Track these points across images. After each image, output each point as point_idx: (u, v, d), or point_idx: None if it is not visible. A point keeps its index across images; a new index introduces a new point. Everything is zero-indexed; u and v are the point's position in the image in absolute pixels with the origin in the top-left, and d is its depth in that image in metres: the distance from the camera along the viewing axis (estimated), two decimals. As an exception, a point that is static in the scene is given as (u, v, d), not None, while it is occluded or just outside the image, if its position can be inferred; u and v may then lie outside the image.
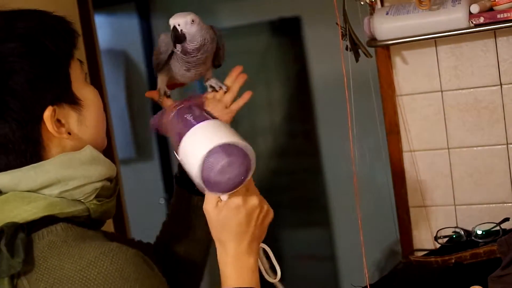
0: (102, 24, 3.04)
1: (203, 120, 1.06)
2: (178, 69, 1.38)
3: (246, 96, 1.43)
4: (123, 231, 2.13)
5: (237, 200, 1.06)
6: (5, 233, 0.95)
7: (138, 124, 3.21)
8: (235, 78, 1.43)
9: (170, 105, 1.20)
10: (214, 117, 1.09)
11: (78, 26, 1.57)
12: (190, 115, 1.09)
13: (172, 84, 1.48)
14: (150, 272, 0.98)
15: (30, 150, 1.01)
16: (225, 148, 1.01)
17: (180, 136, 1.07)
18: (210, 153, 1.00)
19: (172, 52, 1.35)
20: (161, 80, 1.42)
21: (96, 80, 2.07)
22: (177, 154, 1.09)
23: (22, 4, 1.07)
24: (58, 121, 1.02)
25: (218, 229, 1.08)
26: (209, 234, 1.38)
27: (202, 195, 1.33)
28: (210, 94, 1.43)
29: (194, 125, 1.05)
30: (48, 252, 0.96)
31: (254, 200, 1.07)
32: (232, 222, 1.06)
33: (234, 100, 1.44)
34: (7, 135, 0.99)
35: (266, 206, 1.10)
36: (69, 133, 1.04)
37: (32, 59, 0.99)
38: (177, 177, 1.37)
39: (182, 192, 1.36)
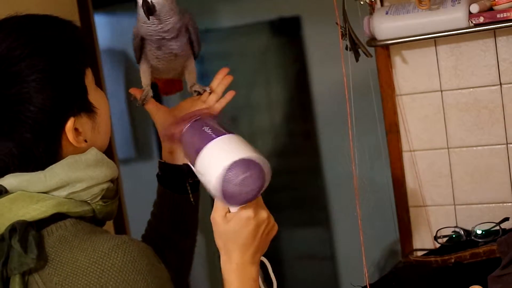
0: (102, 24, 3.04)
1: (222, 134, 1.09)
2: (151, 50, 1.33)
3: (229, 96, 1.42)
4: (123, 231, 2.13)
5: (248, 213, 1.09)
6: (18, 230, 0.96)
7: (138, 124, 3.21)
8: (220, 80, 1.41)
9: (183, 116, 1.22)
10: (230, 132, 1.11)
11: (77, 26, 1.57)
12: (208, 128, 1.12)
13: (165, 87, 1.47)
14: (159, 265, 1.00)
15: (50, 161, 1.03)
16: (245, 162, 1.04)
17: (197, 148, 1.09)
18: (231, 166, 1.03)
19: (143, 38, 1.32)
20: (144, 72, 1.38)
21: (96, 80, 2.06)
22: (191, 164, 1.12)
23: (23, 4, 1.07)
24: (76, 129, 1.04)
25: (225, 238, 1.11)
26: (195, 229, 1.39)
27: (186, 193, 1.34)
28: (195, 97, 1.42)
29: (213, 138, 1.08)
30: (59, 247, 0.97)
31: (264, 214, 1.11)
32: (240, 233, 1.09)
33: None
34: (32, 149, 1.01)
35: (272, 221, 1.13)
36: (85, 141, 1.06)
37: (54, 75, 1.01)
38: (159, 176, 1.38)
39: (166, 192, 1.37)
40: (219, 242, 1.11)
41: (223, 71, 1.42)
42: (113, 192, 1.10)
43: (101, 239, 0.97)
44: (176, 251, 1.37)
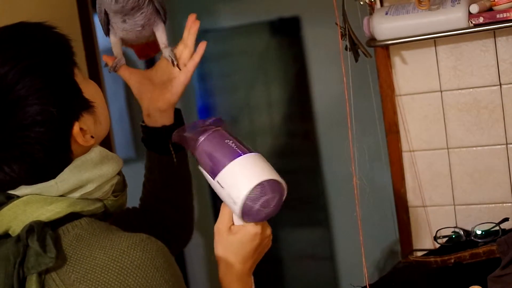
0: (102, 24, 3.03)
1: (248, 152, 1.10)
2: (116, 23, 1.32)
3: (201, 49, 1.35)
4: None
5: (257, 229, 1.12)
6: (35, 230, 0.97)
7: (138, 124, 3.21)
8: (189, 30, 1.35)
9: (200, 124, 1.21)
10: (253, 150, 1.13)
11: (77, 27, 1.59)
12: (232, 142, 1.12)
13: (140, 51, 1.46)
14: (174, 264, 1.01)
15: (63, 169, 1.03)
16: (272, 184, 1.07)
17: (220, 160, 1.10)
18: (259, 185, 1.06)
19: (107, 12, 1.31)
20: (114, 44, 1.37)
21: (96, 80, 2.06)
22: (206, 172, 1.12)
23: (23, 5, 1.07)
24: (81, 129, 1.05)
25: (227, 249, 1.13)
26: (189, 184, 1.41)
27: (170, 154, 1.36)
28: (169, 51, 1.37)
29: (240, 154, 1.10)
30: (76, 245, 0.98)
31: (268, 231, 1.15)
32: (245, 246, 1.12)
33: None
34: (46, 165, 1.02)
35: (271, 237, 1.17)
36: (92, 136, 1.07)
37: (50, 89, 1.00)
38: (144, 140, 1.41)
39: (152, 154, 1.40)
40: (220, 252, 1.13)
41: (191, 17, 1.36)
42: (121, 185, 1.11)
43: (119, 237, 0.98)
44: (175, 209, 1.39)
